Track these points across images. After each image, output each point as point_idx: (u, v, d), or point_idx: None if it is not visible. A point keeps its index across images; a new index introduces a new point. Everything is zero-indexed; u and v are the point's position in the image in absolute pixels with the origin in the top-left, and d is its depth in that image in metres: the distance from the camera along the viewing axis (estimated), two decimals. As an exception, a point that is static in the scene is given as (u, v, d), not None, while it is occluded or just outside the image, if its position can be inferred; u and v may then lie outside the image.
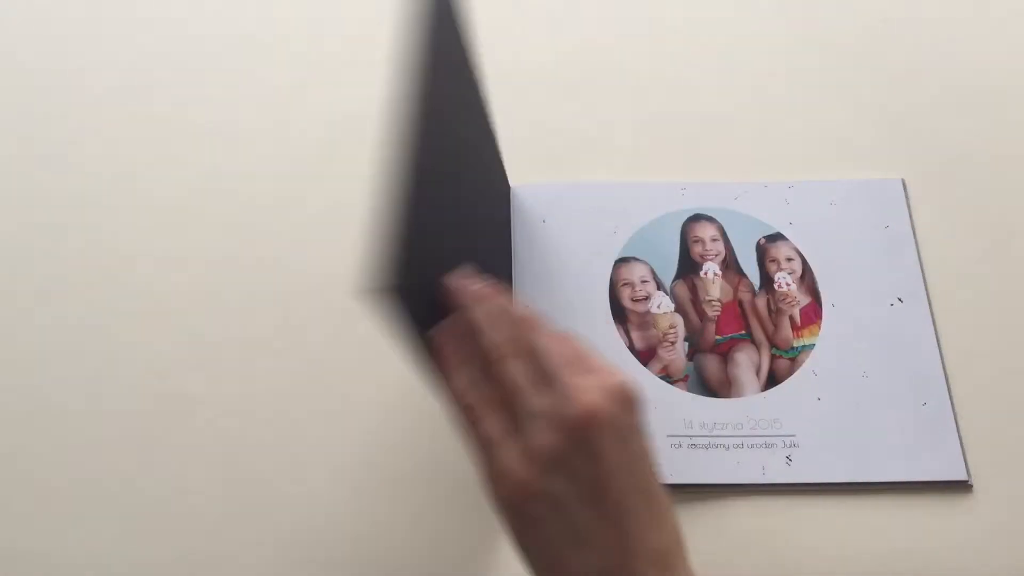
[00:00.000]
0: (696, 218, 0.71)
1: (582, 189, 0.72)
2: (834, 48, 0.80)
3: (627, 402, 0.42)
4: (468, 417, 0.43)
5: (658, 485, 0.43)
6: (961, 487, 0.62)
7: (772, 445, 0.63)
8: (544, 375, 0.42)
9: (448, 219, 0.51)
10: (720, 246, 0.70)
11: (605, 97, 0.78)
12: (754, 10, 0.83)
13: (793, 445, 0.62)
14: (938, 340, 0.66)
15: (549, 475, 0.40)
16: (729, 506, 0.61)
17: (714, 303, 0.68)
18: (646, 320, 0.67)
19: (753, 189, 0.72)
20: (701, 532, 0.60)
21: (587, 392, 0.41)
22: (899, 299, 0.67)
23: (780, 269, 0.69)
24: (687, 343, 0.66)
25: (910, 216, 0.71)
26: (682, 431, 0.63)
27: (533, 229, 0.70)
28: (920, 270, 0.69)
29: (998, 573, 0.59)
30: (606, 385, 0.42)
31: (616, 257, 0.69)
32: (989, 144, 0.75)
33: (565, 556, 0.41)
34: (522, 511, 0.41)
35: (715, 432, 0.63)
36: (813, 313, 0.67)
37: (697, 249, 0.70)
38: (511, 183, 0.72)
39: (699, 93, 0.79)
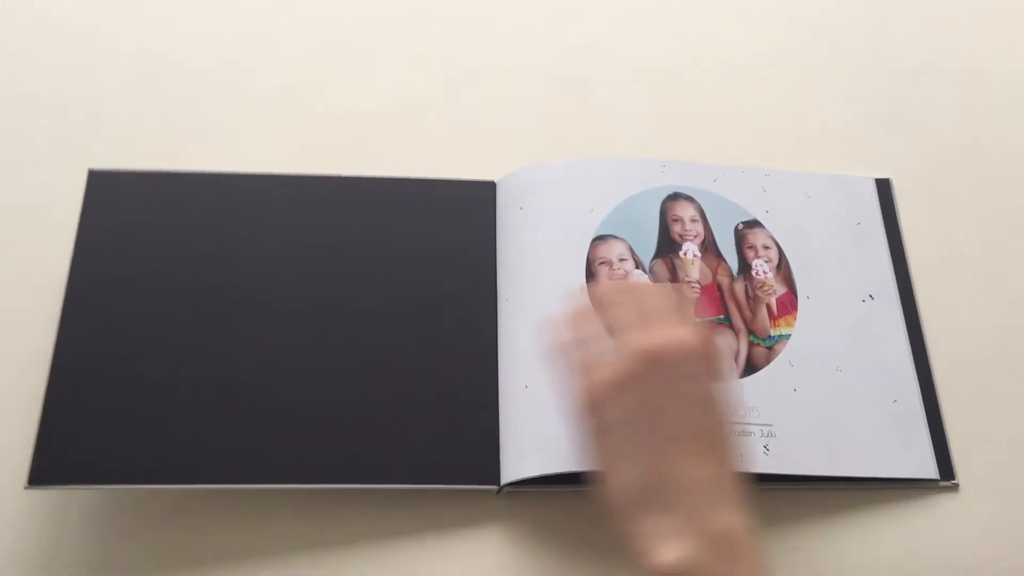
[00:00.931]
0: (675, 197, 0.68)
1: (558, 170, 0.69)
2: (831, 45, 0.80)
3: (697, 349, 0.48)
4: (564, 349, 0.51)
5: (717, 431, 0.48)
6: (934, 486, 0.61)
7: (750, 433, 0.60)
8: (642, 316, 0.49)
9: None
10: (699, 227, 0.67)
11: (597, 88, 0.77)
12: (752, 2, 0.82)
13: (770, 435, 0.60)
14: (923, 338, 0.65)
15: (623, 392, 0.47)
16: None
17: (693, 284, 0.65)
18: (624, 299, 0.64)
19: (731, 173, 0.70)
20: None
21: (668, 332, 0.48)
22: (870, 296, 0.66)
23: (757, 256, 0.67)
24: (666, 324, 0.63)
25: (882, 215, 0.70)
26: (662, 414, 0.60)
27: (510, 218, 0.67)
28: (891, 268, 0.68)
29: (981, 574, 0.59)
30: (684, 331, 0.48)
31: (593, 235, 0.66)
32: (978, 144, 0.75)
33: (620, 465, 0.47)
34: (599, 417, 0.48)
35: None
36: (789, 303, 0.65)
37: (676, 228, 0.67)
38: (494, 178, 0.69)
39: (691, 81, 0.78)
